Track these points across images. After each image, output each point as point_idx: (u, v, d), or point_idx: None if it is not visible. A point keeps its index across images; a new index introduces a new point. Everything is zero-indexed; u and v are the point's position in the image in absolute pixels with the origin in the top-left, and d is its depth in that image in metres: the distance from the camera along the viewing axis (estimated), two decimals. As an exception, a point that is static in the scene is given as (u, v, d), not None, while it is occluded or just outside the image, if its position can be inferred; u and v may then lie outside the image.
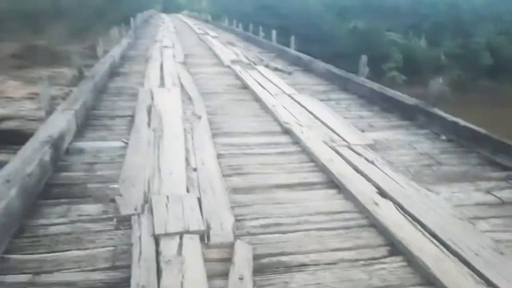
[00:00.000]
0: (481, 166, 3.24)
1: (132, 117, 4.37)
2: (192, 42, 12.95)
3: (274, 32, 10.83)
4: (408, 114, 4.52)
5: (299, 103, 4.98)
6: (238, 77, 6.86)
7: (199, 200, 2.55)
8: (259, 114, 4.71)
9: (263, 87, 5.92)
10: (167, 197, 2.54)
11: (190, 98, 5.17)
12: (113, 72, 6.90)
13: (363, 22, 28.86)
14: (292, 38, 9.23)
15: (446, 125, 3.98)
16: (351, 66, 18.03)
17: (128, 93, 5.54)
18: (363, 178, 2.92)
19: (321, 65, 7.20)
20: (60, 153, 3.23)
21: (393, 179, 2.90)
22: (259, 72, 7.21)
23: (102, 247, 2.14)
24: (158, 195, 2.59)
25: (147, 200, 2.54)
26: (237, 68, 7.58)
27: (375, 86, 5.33)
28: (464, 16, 29.55)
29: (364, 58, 5.91)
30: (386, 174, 2.99)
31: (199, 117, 4.31)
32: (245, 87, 6.16)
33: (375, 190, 2.74)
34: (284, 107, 4.75)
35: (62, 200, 2.61)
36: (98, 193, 2.70)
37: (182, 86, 5.90)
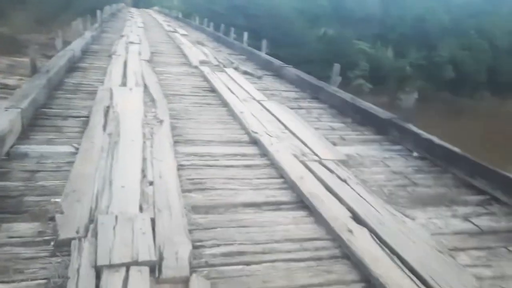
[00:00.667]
0: (457, 189, 3.10)
1: (87, 118, 3.98)
2: (160, 39, 12.48)
3: (245, 34, 10.58)
4: (381, 128, 4.38)
5: (268, 110, 4.74)
6: (206, 79, 6.55)
7: (153, 221, 2.25)
8: (226, 120, 4.43)
9: (231, 91, 5.64)
10: (116, 217, 2.22)
11: (153, 100, 4.82)
12: (72, 67, 6.42)
13: (332, 30, 29.28)
14: (264, 42, 9.01)
15: (420, 142, 3.85)
16: (319, 72, 18.21)
17: (86, 91, 5.12)
18: (335, 199, 2.71)
19: (292, 71, 7.01)
20: (-3, 158, 2.82)
21: (367, 202, 2.70)
22: (228, 75, 6.93)
23: (32, 279, 1.80)
24: (105, 214, 2.26)
25: (92, 220, 2.20)
26: (206, 69, 7.26)
27: (348, 96, 5.18)
28: (430, 30, 30.57)
29: (336, 67, 5.77)
30: (360, 196, 2.78)
31: (161, 121, 3.98)
32: (212, 90, 5.87)
33: (349, 214, 2.53)
34: (253, 115, 4.50)
35: (-10, 217, 2.23)
36: (36, 208, 2.34)
37: (145, 86, 5.53)
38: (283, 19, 27.30)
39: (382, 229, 2.37)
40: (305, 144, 3.69)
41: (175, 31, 14.98)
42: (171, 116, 4.30)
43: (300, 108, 5.27)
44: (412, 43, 30.31)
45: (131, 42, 9.99)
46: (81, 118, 4.02)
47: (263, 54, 8.75)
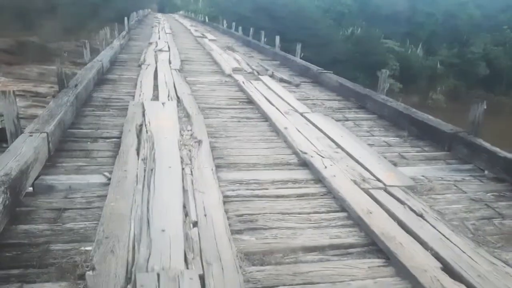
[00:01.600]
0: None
1: (119, 139, 3.64)
2: (189, 45, 12.22)
3: (277, 38, 10.15)
4: (444, 143, 3.85)
5: (314, 124, 4.28)
6: (241, 88, 6.15)
7: (202, 279, 1.84)
8: (269, 137, 4.00)
9: (270, 102, 5.22)
10: (158, 276, 1.82)
11: (188, 115, 4.45)
12: (101, 79, 6.16)
13: (359, 28, 28.52)
14: (299, 46, 8.55)
15: (495, 160, 3.31)
16: (348, 72, 17.57)
17: (116, 106, 4.81)
18: (416, 242, 2.23)
19: (333, 77, 6.52)
20: (20, 195, 2.49)
21: (455, 245, 2.22)
22: (264, 83, 6.51)
23: None
24: (145, 271, 1.87)
25: (130, 279, 1.82)
26: (240, 78, 6.88)
27: (400, 106, 4.66)
28: (461, 26, 29.32)
29: (384, 73, 5.24)
30: (444, 236, 2.30)
31: (199, 142, 3.59)
32: (250, 101, 5.46)
33: (437, 264, 2.05)
34: (298, 130, 4.05)
35: (12, 273, 1.89)
36: (63, 261, 1.98)
37: (178, 99, 5.18)
38: (308, 19, 26.79)
39: (485, 285, 1.88)
40: (364, 167, 3.21)
41: (203, 36, 14.74)
42: (209, 133, 3.91)
43: (346, 119, 4.79)
44: (442, 40, 29.17)
45: (160, 50, 9.75)
46: (112, 139, 3.68)
47: (298, 59, 8.29)
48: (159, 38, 12.75)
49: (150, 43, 11.32)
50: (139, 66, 7.52)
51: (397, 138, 4.14)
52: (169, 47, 10.45)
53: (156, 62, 7.93)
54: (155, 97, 5.25)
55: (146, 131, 3.77)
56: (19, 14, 25.67)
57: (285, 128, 4.09)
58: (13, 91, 3.35)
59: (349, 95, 5.75)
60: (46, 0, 28.05)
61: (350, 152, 3.50)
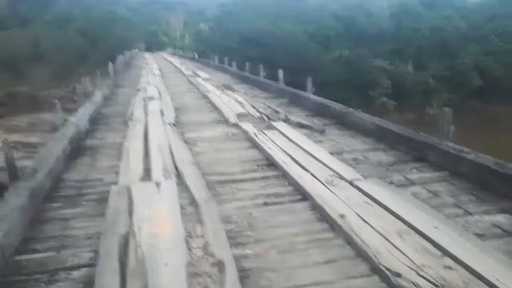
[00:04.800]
0: None
1: (92, 267, 2.29)
2: (181, 87, 11.03)
3: (280, 72, 8.96)
4: None
5: (379, 203, 2.95)
6: (254, 143, 4.86)
7: None
8: (321, 237, 2.62)
9: (299, 164, 3.92)
10: None
11: (194, 203, 3.11)
12: (76, 149, 4.83)
13: (347, 50, 28.01)
14: (309, 80, 7.33)
15: None
16: (339, 94, 16.59)
17: (93, 195, 3.46)
18: None
19: (365, 118, 5.24)
20: None
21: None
22: (281, 132, 5.23)
23: None
24: None
25: None
26: (249, 127, 5.60)
27: (490, 161, 3.34)
28: (449, 39, 28.92)
29: (448, 113, 3.96)
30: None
31: (221, 266, 2.24)
32: (271, 163, 4.15)
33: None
34: (362, 218, 2.71)
35: None
36: None
37: (177, 172, 3.86)
38: (295, 45, 26.26)
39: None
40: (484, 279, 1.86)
41: (196, 75, 13.63)
42: (230, 238, 2.56)
43: (412, 183, 3.47)
44: (431, 55, 28.73)
45: (150, 98, 8.51)
46: (81, 273, 2.32)
47: (312, 96, 7.04)
48: (148, 83, 11.56)
49: (139, 90, 10.12)
50: (126, 123, 6.22)
51: (503, 215, 2.80)
52: (160, 93, 9.23)
53: (146, 116, 6.65)
54: (147, 172, 3.92)
55: (136, 249, 2.42)
56: (7, 65, 24.79)
57: (342, 216, 2.75)
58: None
59: (395, 141, 4.46)
60: (33, 49, 27.28)
61: (474, 267, 2.14)
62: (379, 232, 2.51)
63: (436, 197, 3.16)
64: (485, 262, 2.14)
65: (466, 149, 3.64)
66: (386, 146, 4.55)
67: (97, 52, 27.27)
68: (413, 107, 25.06)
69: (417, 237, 2.44)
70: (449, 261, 2.18)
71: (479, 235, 2.51)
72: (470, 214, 2.84)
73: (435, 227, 2.52)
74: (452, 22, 30.62)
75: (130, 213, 2.91)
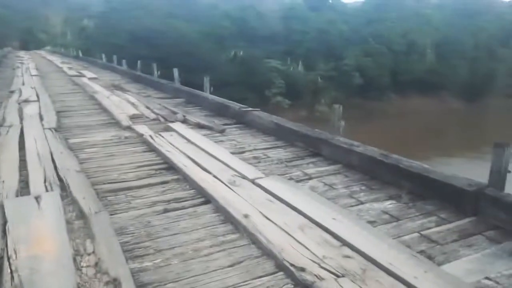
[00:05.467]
0: None
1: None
2: (64, 88, 10.05)
3: (176, 71, 8.70)
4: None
5: (280, 199, 2.97)
6: (151, 147, 4.59)
7: None
8: (225, 239, 2.53)
9: (200, 166, 3.79)
10: None
11: (83, 215, 2.78)
12: None
13: (241, 50, 28.75)
14: (206, 79, 7.22)
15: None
16: (236, 94, 17.10)
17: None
18: None
19: (265, 117, 5.32)
20: None
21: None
22: (180, 134, 5.04)
23: None
24: None
25: None
26: (144, 129, 5.29)
27: (376, 153, 3.60)
28: (334, 41, 31.55)
29: (338, 109, 4.20)
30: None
31: (116, 283, 2.01)
32: (169, 166, 3.95)
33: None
34: (265, 216, 2.69)
35: None
36: None
37: (62, 182, 3.44)
38: (190, 44, 26.10)
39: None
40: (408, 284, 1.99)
41: (81, 75, 12.55)
42: (126, 252, 2.34)
43: (309, 177, 3.59)
44: (319, 56, 31.01)
45: (26, 101, 7.56)
46: None
47: (210, 96, 6.94)
48: (23, 84, 10.29)
49: (12, 91, 8.93)
50: (-4, 130, 5.41)
51: (395, 203, 3.03)
52: (37, 95, 8.26)
53: (21, 121, 5.86)
54: (24, 184, 3.42)
55: (12, 276, 2.05)
56: None
57: (246, 216, 2.69)
58: None
59: (294, 139, 4.59)
60: None
61: (365, 251, 2.25)
62: (282, 229, 2.51)
63: (332, 189, 3.30)
64: (379, 248, 2.27)
65: (355, 143, 3.90)
66: (285, 143, 4.66)
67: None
68: (305, 105, 26.70)
69: (318, 230, 2.50)
70: (347, 251, 2.26)
71: (371, 222, 2.67)
72: (362, 203, 3.03)
73: (333, 219, 2.61)
74: (335, 25, 33.23)
75: (4, 233, 2.48)
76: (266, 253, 2.31)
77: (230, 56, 29.14)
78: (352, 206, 2.97)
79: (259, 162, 4.05)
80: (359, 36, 32.59)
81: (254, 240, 2.43)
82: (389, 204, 2.99)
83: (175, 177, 3.67)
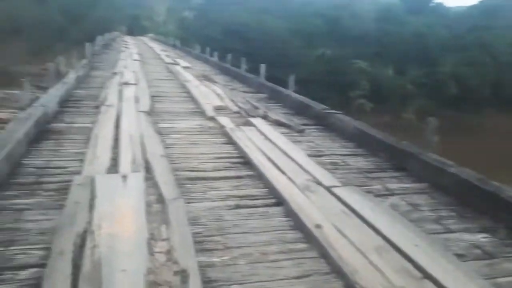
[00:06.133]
0: None
1: (42, 268, 2.07)
2: (160, 74, 10.69)
3: (262, 67, 8.77)
4: None
5: (357, 214, 2.81)
6: (230, 140, 4.67)
7: None
8: (294, 248, 2.45)
9: (276, 165, 3.75)
10: None
11: (162, 200, 2.90)
12: (41, 133, 4.52)
13: (330, 49, 28.17)
14: (292, 78, 7.17)
15: None
16: (318, 92, 16.76)
17: (53, 184, 3.20)
18: None
19: (348, 121, 5.12)
20: None
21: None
22: (259, 130, 5.06)
23: None
24: None
25: None
26: (226, 121, 5.41)
27: (472, 176, 3.26)
28: (430, 46, 29.48)
29: (432, 122, 3.88)
30: None
31: (184, 274, 2.05)
32: (246, 161, 3.97)
33: None
34: (339, 231, 2.56)
35: None
36: None
37: (147, 165, 3.63)
38: (279, 41, 26.21)
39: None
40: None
41: (176, 63, 13.27)
42: (197, 243, 2.38)
43: (391, 193, 3.36)
44: (412, 60, 29.18)
45: (126, 83, 8.17)
46: (29, 273, 2.08)
47: (293, 94, 6.88)
48: (125, 67, 11.14)
49: (115, 73, 9.72)
50: (98, 107, 5.91)
51: (490, 237, 2.70)
52: (137, 79, 8.88)
53: (120, 102, 6.34)
54: (114, 162, 3.68)
55: (92, 251, 2.20)
56: (-19, 38, 23.71)
57: (318, 226, 2.60)
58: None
59: (377, 148, 4.36)
60: (11, 23, 26.15)
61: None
62: (356, 247, 2.37)
63: (416, 211, 3.05)
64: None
65: (449, 162, 3.56)
66: (366, 151, 4.44)
67: (77, 31, 26.38)
68: (389, 110, 25.41)
69: (396, 255, 2.31)
70: (430, 286, 2.06)
71: (460, 256, 2.41)
72: (451, 231, 2.74)
73: (416, 245, 2.40)
74: (434, 30, 31.19)
75: (91, 208, 2.68)
76: (336, 270, 2.20)
77: (317, 54, 28.78)
78: (439, 233, 2.71)
79: (336, 168, 3.90)
80: (460, 42, 30.15)
81: (324, 254, 2.33)
82: (482, 238, 2.67)
83: (250, 173, 3.68)
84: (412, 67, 28.86)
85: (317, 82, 23.54)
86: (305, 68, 23.60)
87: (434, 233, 2.70)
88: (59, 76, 8.05)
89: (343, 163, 4.08)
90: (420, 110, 24.38)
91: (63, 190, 3.04)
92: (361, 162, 4.14)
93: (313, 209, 2.86)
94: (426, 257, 2.27)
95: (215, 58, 13.73)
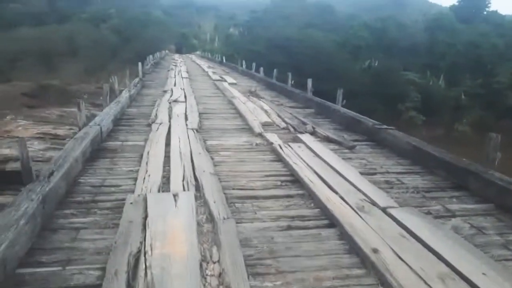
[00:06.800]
0: None
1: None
2: (207, 91, 10.91)
3: (309, 82, 8.70)
4: None
5: (418, 238, 2.64)
6: (279, 156, 4.61)
7: None
8: (350, 272, 2.34)
9: (326, 183, 3.65)
10: None
11: (212, 220, 2.89)
12: (97, 150, 4.71)
13: (377, 61, 27.59)
14: (340, 92, 7.03)
15: None
16: (366, 105, 16.32)
17: (108, 203, 3.28)
18: None
19: (401, 137, 4.91)
20: None
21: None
22: (308, 146, 4.97)
23: None
24: None
25: None
26: (274, 138, 5.37)
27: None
28: (485, 56, 28.07)
29: (495, 139, 3.61)
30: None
31: (237, 300, 2.00)
32: (295, 179, 3.89)
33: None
34: (400, 258, 2.41)
35: None
36: None
37: (197, 182, 3.65)
38: (325, 54, 26.02)
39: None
40: None
41: (222, 80, 13.51)
42: (249, 265, 2.33)
43: (453, 214, 3.14)
44: (465, 71, 27.91)
45: (175, 101, 8.40)
46: (87, 291, 2.12)
47: (342, 109, 6.74)
48: (174, 85, 11.50)
49: (165, 91, 10.05)
50: (149, 125, 6.10)
51: None
52: (185, 96, 9.10)
53: (170, 119, 6.51)
54: (166, 181, 3.73)
55: (146, 272, 2.20)
56: (42, 59, 25.61)
57: (375, 251, 2.46)
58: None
59: (434, 165, 4.12)
60: (70, 45, 28.06)
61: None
62: (417, 274, 2.22)
63: (482, 234, 2.83)
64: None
65: (515, 181, 3.29)
66: (422, 169, 4.22)
67: (129, 51, 27.79)
68: (442, 123, 24.32)
69: (463, 285, 2.13)
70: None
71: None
72: (522, 259, 2.51)
73: (483, 274, 2.20)
74: (488, 38, 29.76)
75: (144, 227, 2.71)
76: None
77: (364, 67, 28.32)
78: (508, 260, 2.48)
79: (391, 187, 3.73)
80: (516, 52, 28.48)
81: (383, 281, 2.19)
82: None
83: (300, 192, 3.60)
84: (465, 77, 27.61)
85: (364, 94, 23.05)
86: (352, 80, 23.28)
87: (503, 260, 2.47)
88: (113, 94, 8.43)
89: (398, 182, 3.89)
90: (476, 122, 23.18)
91: (118, 208, 3.11)
92: (417, 181, 3.92)
93: (369, 231, 2.72)
94: (497, 287, 2.07)
95: (261, 74, 13.83)
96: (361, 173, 4.04)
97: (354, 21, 34.19)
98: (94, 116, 5.60)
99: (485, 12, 36.05)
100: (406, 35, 31.02)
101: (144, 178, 3.76)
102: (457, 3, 38.12)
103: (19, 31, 28.51)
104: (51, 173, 3.30)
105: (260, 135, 5.68)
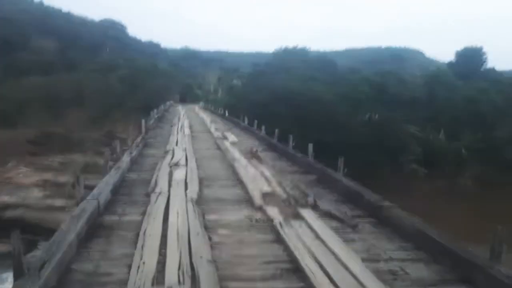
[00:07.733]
0: None
1: None
2: (208, 152, 10.97)
3: (310, 147, 8.72)
4: None
5: None
6: (279, 237, 4.51)
7: None
8: None
9: (328, 276, 3.51)
10: None
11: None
12: (92, 228, 4.61)
13: (378, 114, 27.99)
14: (341, 160, 7.01)
15: None
16: (367, 156, 16.24)
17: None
18: None
19: (404, 217, 4.80)
20: None
21: None
22: (309, 225, 4.86)
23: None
24: None
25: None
26: (274, 213, 5.29)
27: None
28: (484, 111, 28.51)
29: (501, 232, 3.51)
30: None
31: None
32: (295, 267, 3.77)
33: None
34: None
35: None
36: None
37: (194, 273, 3.52)
38: (326, 106, 26.47)
39: None
40: None
41: (224, 137, 13.61)
42: None
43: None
44: (464, 125, 28.17)
45: (176, 165, 8.39)
46: None
47: (344, 179, 6.67)
48: (176, 144, 11.58)
49: (167, 152, 10.10)
50: (148, 195, 6.04)
51: None
52: (186, 159, 9.11)
53: (169, 187, 6.46)
54: (161, 267, 3.61)
55: None
56: (49, 106, 26.04)
57: None
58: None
59: (439, 252, 3.99)
60: (75, 93, 28.62)
61: None
62: None
63: None
64: None
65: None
66: (427, 255, 4.08)
67: (134, 100, 28.36)
68: (443, 176, 24.17)
69: None
70: None
71: None
72: None
73: None
74: (487, 94, 30.39)
75: (134, 337, 2.57)
76: None
77: (364, 119, 28.71)
78: None
79: (395, 279, 3.59)
80: (515, 108, 28.91)
81: None
82: None
83: (301, 285, 3.46)
84: (464, 131, 27.85)
85: (366, 146, 23.16)
86: (353, 132, 23.54)
87: None
88: (115, 152, 8.43)
89: (402, 272, 3.75)
90: (477, 176, 23.04)
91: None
92: (422, 271, 3.78)
93: None
94: None
95: (262, 132, 13.95)
96: (364, 260, 3.91)
97: (355, 74, 35.10)
98: (92, 188, 5.54)
99: (482, 69, 37.04)
100: (406, 90, 31.70)
101: (139, 266, 3.64)
102: (454, 60, 39.30)
103: (28, 79, 29.27)
104: (42, 265, 3.20)
105: (260, 208, 5.60)
